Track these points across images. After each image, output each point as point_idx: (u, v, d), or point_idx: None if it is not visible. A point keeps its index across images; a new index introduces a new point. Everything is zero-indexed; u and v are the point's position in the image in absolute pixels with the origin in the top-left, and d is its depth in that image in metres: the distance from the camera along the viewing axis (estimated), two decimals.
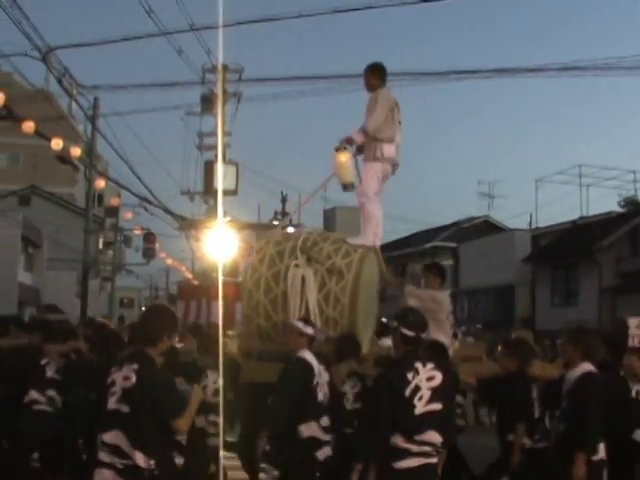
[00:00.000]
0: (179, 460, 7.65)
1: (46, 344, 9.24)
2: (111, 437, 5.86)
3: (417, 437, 6.20)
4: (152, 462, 5.82)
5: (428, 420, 6.22)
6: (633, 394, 8.21)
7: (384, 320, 10.47)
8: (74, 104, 28.52)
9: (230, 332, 11.80)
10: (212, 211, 27.85)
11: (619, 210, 42.20)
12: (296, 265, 8.89)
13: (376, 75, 9.68)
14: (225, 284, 16.80)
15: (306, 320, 8.26)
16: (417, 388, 6.25)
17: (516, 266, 40.22)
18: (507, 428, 8.60)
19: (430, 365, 6.39)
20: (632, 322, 9.21)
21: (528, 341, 9.88)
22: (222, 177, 25.90)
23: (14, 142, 54.52)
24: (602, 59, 35.01)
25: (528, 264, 40.37)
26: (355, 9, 20.15)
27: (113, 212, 47.63)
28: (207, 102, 28.91)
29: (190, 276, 33.16)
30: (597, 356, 7.76)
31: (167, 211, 31.06)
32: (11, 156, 62.29)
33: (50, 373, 9.05)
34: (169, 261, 39.43)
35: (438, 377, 6.36)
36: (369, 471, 6.27)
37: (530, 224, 45.42)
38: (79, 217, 40.14)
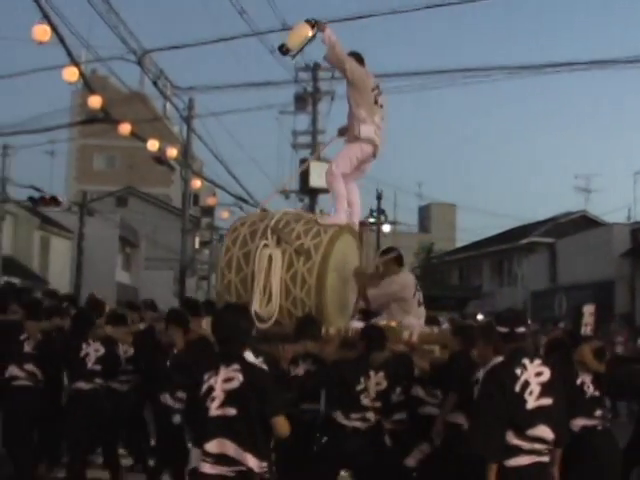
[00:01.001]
0: None
1: (27, 321, 9.46)
2: (215, 446, 5.69)
3: (529, 432, 6.08)
4: (264, 465, 5.69)
5: (540, 415, 6.12)
6: (578, 382, 7.86)
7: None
8: (169, 105, 28.92)
9: None
10: (308, 209, 27.73)
11: None
12: (265, 245, 8.94)
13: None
14: None
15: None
16: (527, 383, 6.15)
17: (615, 261, 39.25)
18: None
19: (537, 361, 6.32)
20: (587, 309, 8.71)
21: (473, 325, 9.54)
22: (317, 175, 25.85)
23: (111, 144, 55.64)
24: None
25: (627, 259, 39.35)
26: (450, 3, 19.84)
27: (209, 212, 48.11)
28: (300, 101, 28.95)
29: None
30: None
31: (263, 210, 31.07)
32: (108, 158, 63.58)
33: (28, 348, 9.32)
34: None
35: (546, 372, 6.26)
36: (488, 470, 6.07)
37: (629, 218, 44.48)
38: (175, 217, 40.67)
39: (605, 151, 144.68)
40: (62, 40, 15.84)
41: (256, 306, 8.61)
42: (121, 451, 10.61)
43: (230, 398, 5.70)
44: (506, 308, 7.53)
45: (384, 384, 8.02)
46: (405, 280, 9.56)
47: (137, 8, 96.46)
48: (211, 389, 5.78)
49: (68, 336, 9.72)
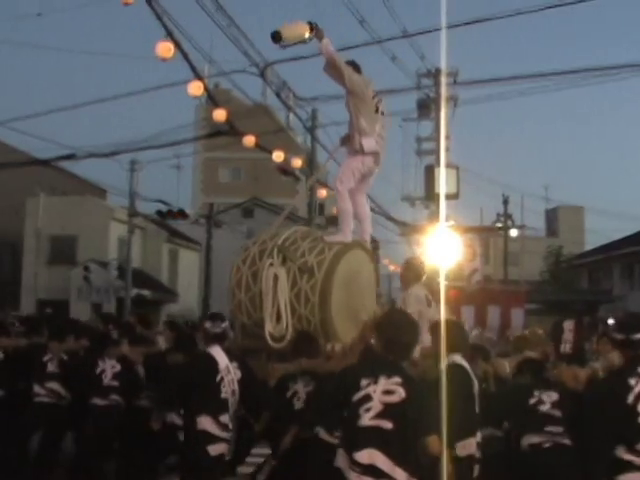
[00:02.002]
0: None
1: (50, 342, 10.06)
2: (366, 456, 5.61)
3: None
4: None
5: None
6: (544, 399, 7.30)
7: None
8: (292, 116, 28.96)
9: None
10: (434, 216, 27.48)
11: None
12: (271, 264, 9.06)
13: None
14: (450, 288, 16.67)
15: (214, 318, 8.23)
16: None
17: None
18: None
19: None
20: (566, 325, 8.49)
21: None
22: (443, 181, 25.57)
23: (236, 156, 56.39)
24: None
25: None
26: (562, 5, 19.38)
27: (335, 221, 48.15)
28: (423, 107, 28.77)
29: None
30: (464, 349, 6.99)
31: (389, 217, 31.04)
32: (233, 170, 64.57)
33: (52, 368, 9.84)
34: (392, 267, 39.46)
35: None
36: None
37: None
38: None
39: None
40: (186, 56, 15.99)
41: (269, 327, 8.81)
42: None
43: (388, 411, 5.65)
44: (628, 313, 7.13)
45: None
46: (417, 293, 9.42)
47: (258, 21, 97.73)
48: (368, 398, 5.73)
49: (86, 354, 10.26)
